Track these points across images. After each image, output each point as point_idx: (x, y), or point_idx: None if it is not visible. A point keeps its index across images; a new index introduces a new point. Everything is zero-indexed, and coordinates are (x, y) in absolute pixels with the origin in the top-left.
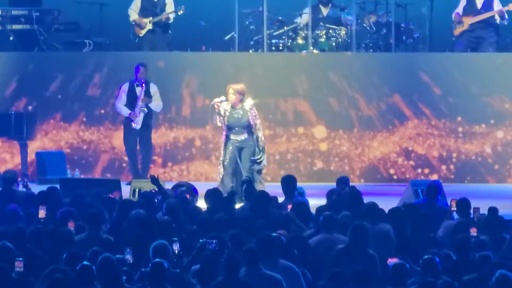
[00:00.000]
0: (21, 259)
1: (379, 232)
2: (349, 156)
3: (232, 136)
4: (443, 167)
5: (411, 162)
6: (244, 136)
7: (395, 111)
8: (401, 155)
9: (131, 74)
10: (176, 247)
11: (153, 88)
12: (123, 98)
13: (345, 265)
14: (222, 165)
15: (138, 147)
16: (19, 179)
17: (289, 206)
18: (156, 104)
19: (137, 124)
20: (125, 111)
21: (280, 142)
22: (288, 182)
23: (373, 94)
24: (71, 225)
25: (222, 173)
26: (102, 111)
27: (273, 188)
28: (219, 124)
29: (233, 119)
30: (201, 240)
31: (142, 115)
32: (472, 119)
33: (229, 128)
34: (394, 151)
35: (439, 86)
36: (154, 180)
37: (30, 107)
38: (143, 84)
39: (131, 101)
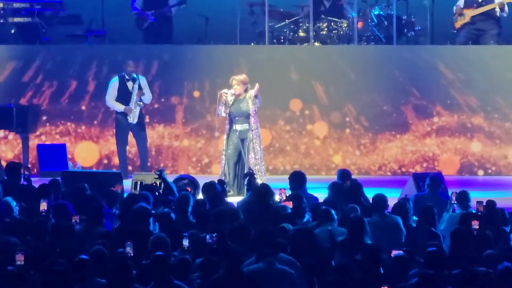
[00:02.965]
0: (22, 252)
1: (389, 223)
2: (350, 153)
3: (235, 126)
4: (444, 159)
5: (414, 159)
6: (246, 126)
7: (396, 108)
8: (406, 154)
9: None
10: (186, 243)
11: (143, 81)
12: (113, 93)
13: (344, 257)
14: (224, 155)
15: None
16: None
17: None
18: (148, 96)
19: (133, 119)
20: (119, 106)
21: (278, 140)
22: (296, 178)
23: (373, 89)
24: (75, 219)
25: (225, 164)
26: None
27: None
28: (223, 114)
29: (235, 109)
30: (201, 234)
31: (138, 109)
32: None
33: (233, 117)
34: (400, 150)
35: (442, 80)
36: (160, 176)
37: (34, 100)
38: (135, 78)
39: (124, 96)
